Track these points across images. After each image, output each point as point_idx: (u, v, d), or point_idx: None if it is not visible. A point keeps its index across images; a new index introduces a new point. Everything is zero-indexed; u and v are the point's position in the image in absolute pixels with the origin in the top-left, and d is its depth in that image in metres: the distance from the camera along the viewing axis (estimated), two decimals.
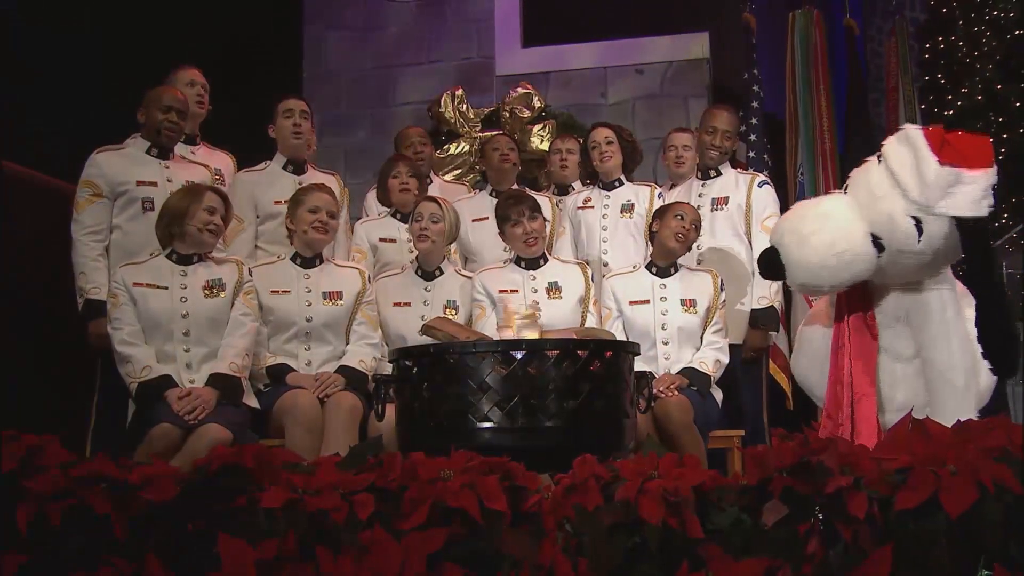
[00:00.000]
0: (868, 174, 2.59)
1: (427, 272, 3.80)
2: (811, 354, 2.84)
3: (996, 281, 2.69)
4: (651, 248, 3.98)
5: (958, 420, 1.99)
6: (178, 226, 3.39)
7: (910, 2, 7.54)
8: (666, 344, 3.68)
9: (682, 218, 3.74)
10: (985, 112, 6.60)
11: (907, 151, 2.49)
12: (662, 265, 3.78)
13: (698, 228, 3.81)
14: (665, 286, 3.75)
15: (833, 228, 2.54)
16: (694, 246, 4.03)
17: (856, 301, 2.69)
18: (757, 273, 4.05)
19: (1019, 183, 6.38)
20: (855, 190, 2.60)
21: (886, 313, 2.67)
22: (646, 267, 3.82)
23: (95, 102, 4.82)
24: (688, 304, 3.71)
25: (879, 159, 2.58)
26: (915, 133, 2.51)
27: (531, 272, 3.80)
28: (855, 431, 2.56)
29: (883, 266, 2.54)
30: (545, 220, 3.92)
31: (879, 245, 2.52)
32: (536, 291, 3.76)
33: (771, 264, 2.61)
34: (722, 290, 3.78)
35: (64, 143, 4.44)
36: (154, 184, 3.69)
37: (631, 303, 3.74)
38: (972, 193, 2.46)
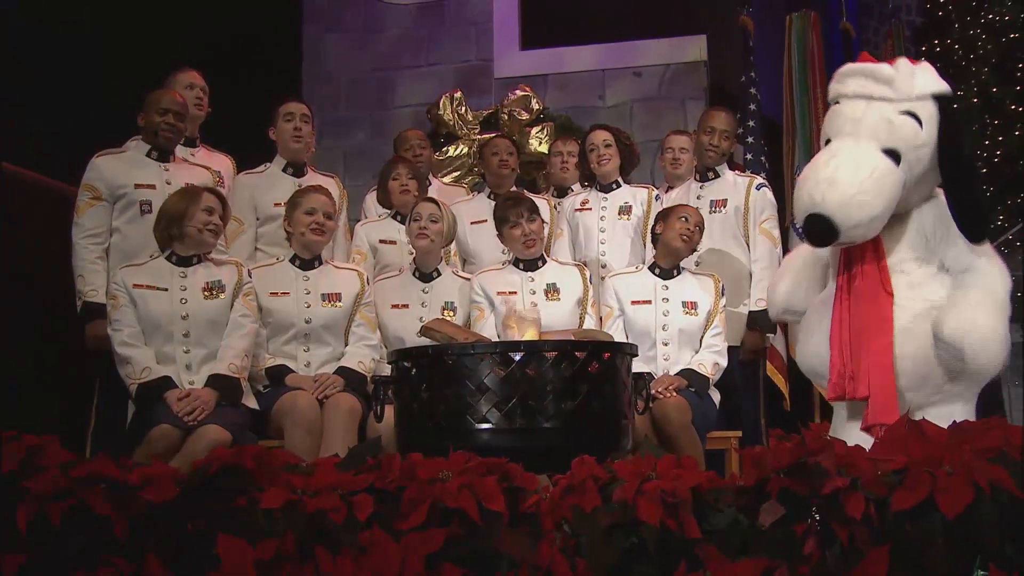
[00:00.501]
0: (837, 116, 2.61)
1: (425, 274, 3.81)
2: (794, 272, 2.87)
3: (967, 154, 2.68)
4: (648, 250, 4.00)
5: (954, 422, 1.99)
6: (177, 228, 3.40)
7: (906, 6, 7.58)
8: (666, 345, 3.70)
9: (687, 220, 3.75)
10: (981, 115, 6.62)
11: (857, 76, 2.59)
12: (665, 267, 3.79)
13: (702, 230, 3.82)
14: (667, 287, 3.76)
15: (847, 158, 2.51)
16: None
17: (867, 257, 2.65)
18: (755, 275, 4.08)
19: (1015, 185, 6.40)
20: (837, 133, 2.60)
21: (904, 259, 2.64)
22: (649, 268, 3.83)
23: (95, 103, 4.82)
24: (690, 306, 3.73)
25: (835, 102, 2.64)
26: (851, 65, 2.64)
27: (529, 274, 3.81)
28: (870, 381, 2.51)
29: (906, 182, 2.54)
30: (544, 222, 3.93)
31: (894, 156, 2.52)
32: (535, 293, 3.77)
33: (817, 229, 2.50)
34: (723, 294, 3.79)
35: (64, 144, 4.44)
36: (152, 187, 3.70)
37: (633, 303, 3.75)
38: (931, 72, 2.59)
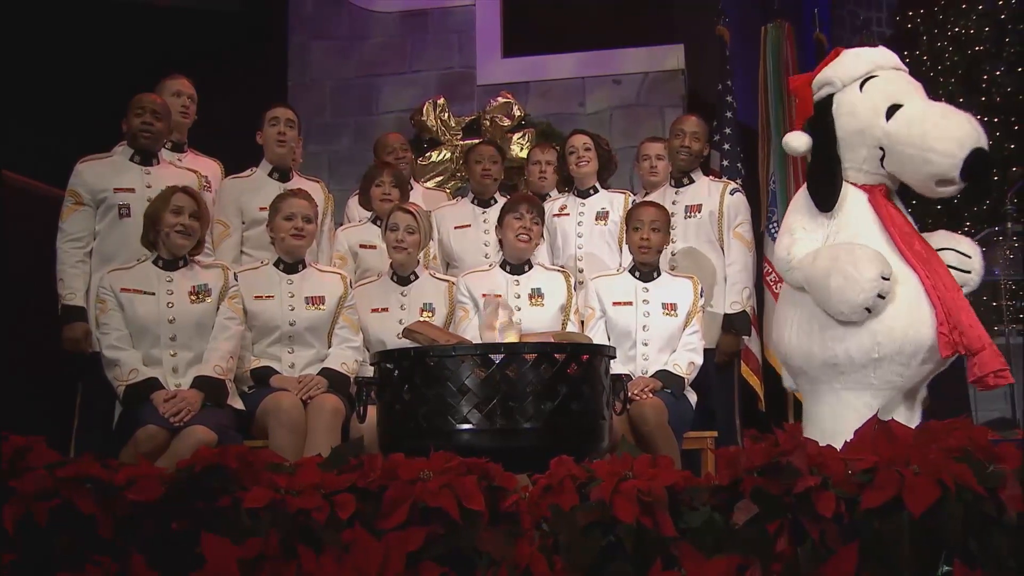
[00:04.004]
0: (898, 81, 2.89)
1: (402, 277, 3.85)
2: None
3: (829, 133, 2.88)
4: (625, 254, 4.05)
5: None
6: (154, 232, 3.43)
7: (876, 18, 7.72)
8: (646, 345, 3.75)
9: (639, 229, 3.80)
10: None
11: (877, 56, 2.92)
12: (645, 270, 3.85)
13: (661, 228, 3.82)
14: (647, 290, 3.82)
15: (908, 118, 2.76)
16: (668, 252, 4.10)
17: (907, 225, 2.85)
18: (729, 278, 4.14)
19: (981, 193, 6.51)
20: (909, 96, 2.83)
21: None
22: (629, 271, 3.88)
23: (86, 110, 4.85)
24: (669, 308, 3.78)
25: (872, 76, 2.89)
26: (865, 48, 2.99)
27: (515, 277, 3.85)
28: (977, 334, 2.68)
29: None
30: (541, 234, 3.97)
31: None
32: (519, 296, 3.81)
33: (981, 162, 2.67)
34: (701, 296, 3.85)
35: (53, 150, 4.46)
36: (131, 190, 3.72)
37: (614, 304, 3.80)
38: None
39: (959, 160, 2.65)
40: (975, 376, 2.66)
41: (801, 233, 2.86)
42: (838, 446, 1.94)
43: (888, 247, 2.77)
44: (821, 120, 2.90)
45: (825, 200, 2.83)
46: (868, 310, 2.66)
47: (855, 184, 2.88)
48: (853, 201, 2.86)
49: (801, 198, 2.94)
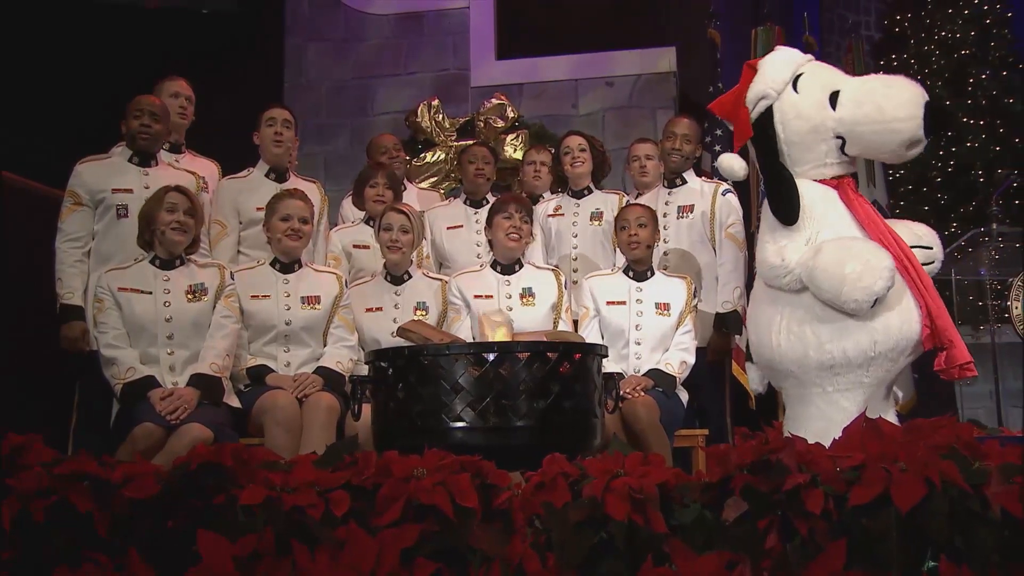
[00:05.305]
0: (828, 71, 2.97)
1: (395, 277, 3.86)
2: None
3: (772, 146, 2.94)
4: (619, 254, 4.07)
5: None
6: (149, 232, 3.45)
7: (865, 22, 7.81)
8: (639, 344, 3.77)
9: (625, 227, 3.83)
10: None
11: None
12: (639, 269, 3.87)
13: (647, 224, 3.84)
14: (641, 289, 3.84)
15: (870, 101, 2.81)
16: (660, 252, 4.12)
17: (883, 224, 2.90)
18: (721, 278, 4.16)
19: (966, 194, 6.58)
20: (845, 80, 2.91)
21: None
22: (624, 271, 3.90)
23: (85, 112, 4.86)
24: (662, 307, 3.80)
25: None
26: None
27: (506, 277, 3.87)
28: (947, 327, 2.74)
29: None
30: (532, 232, 3.99)
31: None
32: (510, 297, 3.83)
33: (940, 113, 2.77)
34: (695, 296, 3.88)
35: (53, 151, 4.48)
36: (129, 191, 3.73)
37: (608, 303, 3.82)
38: None
39: (921, 119, 2.73)
40: (941, 367, 2.73)
41: (786, 241, 2.86)
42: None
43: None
44: (763, 135, 2.92)
45: (787, 215, 2.85)
46: (876, 300, 2.67)
47: (821, 181, 2.91)
48: (825, 200, 2.88)
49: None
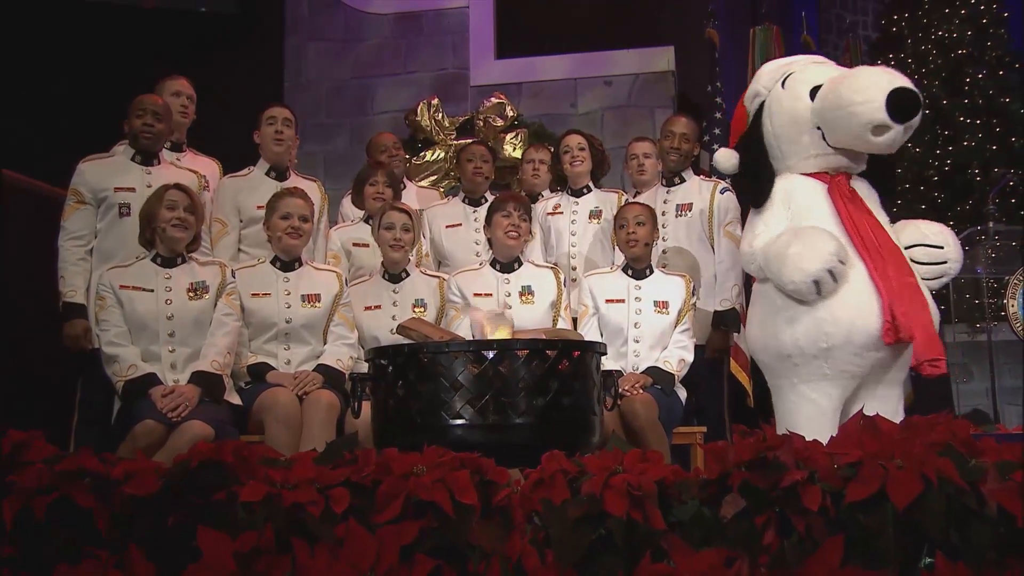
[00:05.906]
0: (812, 69, 3.02)
1: (393, 275, 3.88)
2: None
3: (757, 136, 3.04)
4: (617, 252, 4.08)
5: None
6: (150, 230, 3.46)
7: (863, 21, 7.84)
8: (637, 342, 3.78)
9: (624, 226, 3.85)
10: (932, 126, 6.85)
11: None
12: (638, 268, 3.88)
13: (645, 222, 3.86)
14: (640, 287, 3.85)
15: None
16: (659, 250, 4.13)
17: (864, 215, 2.92)
18: (719, 276, 4.17)
19: (963, 193, 6.61)
20: (827, 74, 2.95)
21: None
22: (623, 269, 3.91)
23: (86, 111, 4.88)
24: (661, 306, 3.82)
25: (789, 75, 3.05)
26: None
27: (505, 275, 3.88)
28: (914, 322, 2.74)
29: None
30: (531, 230, 4.01)
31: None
32: (509, 295, 3.84)
33: (910, 98, 2.75)
34: (693, 294, 3.89)
35: (53, 150, 4.49)
36: (132, 190, 3.74)
37: (607, 301, 3.84)
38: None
39: (880, 102, 2.73)
40: (914, 362, 2.76)
41: (762, 228, 2.96)
42: None
43: (841, 236, 2.83)
44: (754, 128, 3.04)
45: (756, 196, 2.98)
46: (817, 285, 2.71)
47: (809, 175, 2.96)
48: (807, 192, 2.94)
49: None
